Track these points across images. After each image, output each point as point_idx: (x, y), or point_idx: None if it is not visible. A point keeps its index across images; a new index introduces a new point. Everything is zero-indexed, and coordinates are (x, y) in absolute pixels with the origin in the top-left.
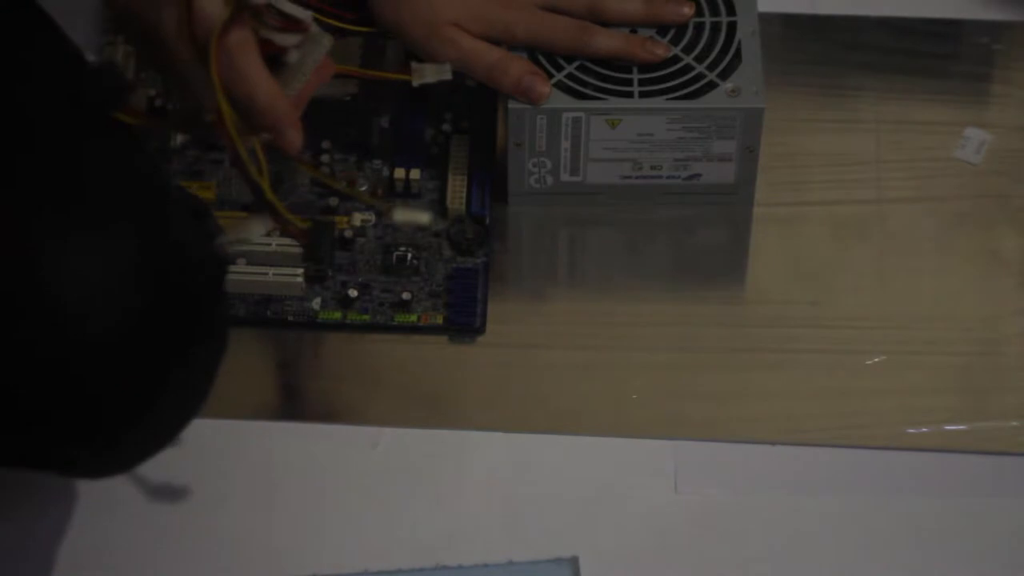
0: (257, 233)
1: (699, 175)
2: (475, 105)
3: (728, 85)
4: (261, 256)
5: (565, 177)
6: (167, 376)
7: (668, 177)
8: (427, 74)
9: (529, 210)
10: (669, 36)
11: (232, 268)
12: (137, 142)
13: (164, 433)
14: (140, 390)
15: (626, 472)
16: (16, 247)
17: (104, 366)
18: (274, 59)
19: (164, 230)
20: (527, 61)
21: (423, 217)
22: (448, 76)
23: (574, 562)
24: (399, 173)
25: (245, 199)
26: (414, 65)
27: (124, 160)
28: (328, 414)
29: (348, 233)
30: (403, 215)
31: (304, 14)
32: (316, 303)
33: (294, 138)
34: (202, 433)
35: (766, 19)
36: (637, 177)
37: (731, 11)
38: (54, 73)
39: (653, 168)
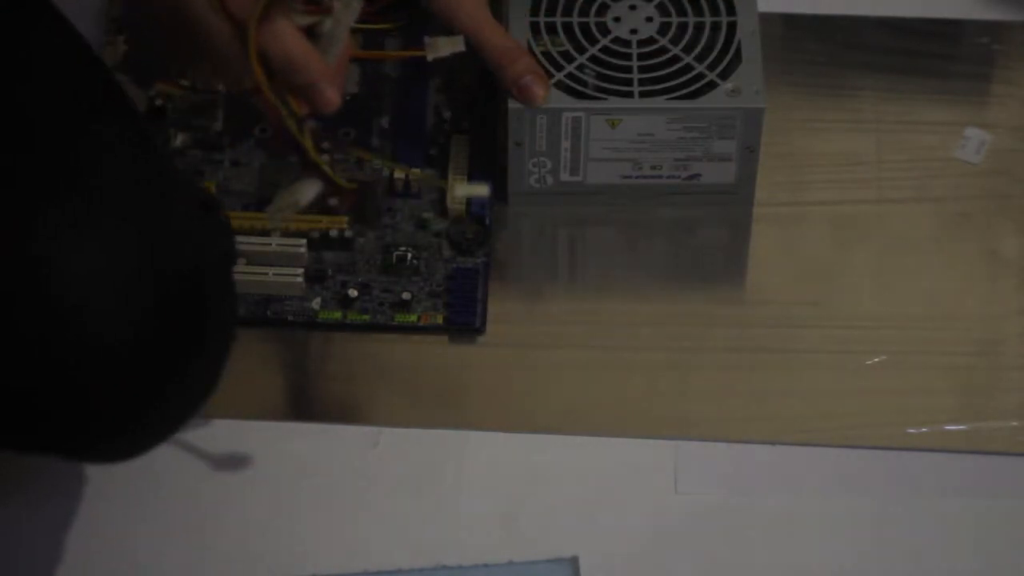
0: (309, 196)
1: (699, 175)
2: (475, 105)
3: (728, 85)
4: (261, 256)
5: (565, 177)
6: (172, 368)
7: (668, 177)
8: (441, 47)
9: (529, 210)
10: (669, 36)
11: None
12: (144, 135)
13: (171, 422)
14: (145, 386)
15: (626, 472)
16: (17, 247)
17: (108, 363)
18: (307, 34)
19: (169, 225)
20: (534, 62)
21: (482, 189)
22: (462, 48)
23: (574, 562)
24: (399, 173)
25: (247, 199)
26: (427, 39)
27: (128, 155)
28: (328, 414)
29: (348, 233)
30: (464, 190)
31: None
32: (316, 303)
33: (332, 95)
34: (201, 433)
35: (766, 19)
36: (637, 177)
37: (731, 11)
38: (57, 67)
39: (653, 168)
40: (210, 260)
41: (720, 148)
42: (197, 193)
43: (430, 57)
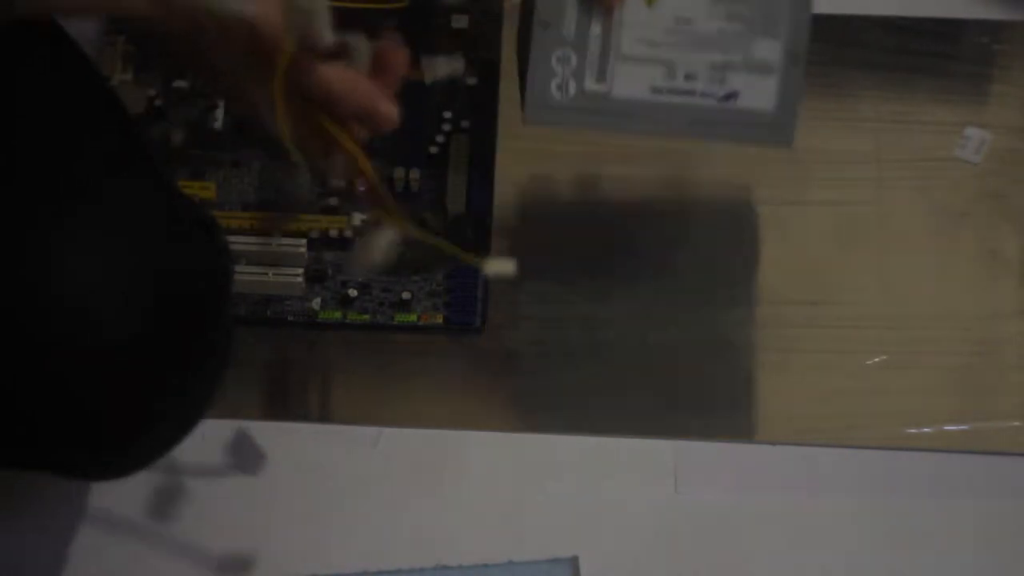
0: (388, 244)
1: (736, 93)
2: (475, 105)
3: None
4: (261, 256)
5: (590, 84)
6: (169, 387)
7: (702, 94)
8: (439, 70)
9: (544, 131)
10: None
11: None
12: (142, 149)
13: (167, 440)
14: (142, 400)
15: (626, 472)
16: (16, 260)
17: (106, 376)
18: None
19: (166, 236)
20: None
21: (509, 267)
22: (460, 71)
23: (574, 562)
24: (399, 173)
25: (247, 199)
26: (425, 61)
27: (126, 169)
28: (328, 414)
29: (348, 233)
30: (493, 267)
31: (326, 29)
32: (316, 303)
33: (389, 110)
34: (202, 433)
35: None
36: (668, 91)
37: None
38: (57, 79)
39: (687, 78)
40: (208, 274)
41: (762, 52)
42: (194, 210)
43: (428, 80)
